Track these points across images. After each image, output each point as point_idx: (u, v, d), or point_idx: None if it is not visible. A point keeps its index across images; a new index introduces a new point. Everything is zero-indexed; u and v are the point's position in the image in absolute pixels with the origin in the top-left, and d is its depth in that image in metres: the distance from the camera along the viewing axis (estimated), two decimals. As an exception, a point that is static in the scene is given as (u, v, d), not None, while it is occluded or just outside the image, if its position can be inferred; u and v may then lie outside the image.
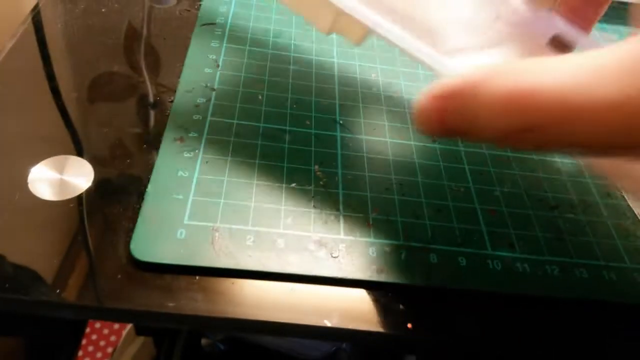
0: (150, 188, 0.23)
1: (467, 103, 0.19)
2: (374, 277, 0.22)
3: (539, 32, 0.27)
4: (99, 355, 0.92)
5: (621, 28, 0.40)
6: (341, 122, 0.29)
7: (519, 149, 0.18)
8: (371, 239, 0.23)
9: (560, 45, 0.29)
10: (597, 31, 0.38)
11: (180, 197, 0.23)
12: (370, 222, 0.24)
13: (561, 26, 0.28)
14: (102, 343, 0.94)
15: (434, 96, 0.21)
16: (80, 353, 0.89)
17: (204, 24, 0.33)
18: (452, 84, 0.20)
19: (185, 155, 0.25)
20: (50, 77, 0.29)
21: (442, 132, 0.21)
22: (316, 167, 0.26)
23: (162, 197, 0.23)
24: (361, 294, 0.22)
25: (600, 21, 0.29)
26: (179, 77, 0.29)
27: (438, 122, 0.21)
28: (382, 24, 0.25)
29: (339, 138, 0.28)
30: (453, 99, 0.20)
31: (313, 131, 0.28)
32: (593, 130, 0.17)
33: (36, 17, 0.32)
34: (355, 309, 0.21)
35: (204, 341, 0.35)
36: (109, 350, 0.92)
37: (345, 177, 0.26)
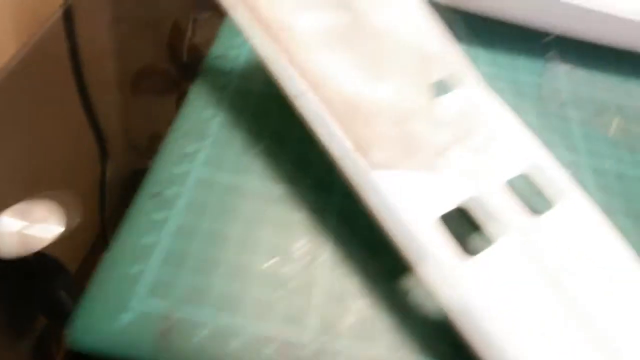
0: (107, 255, 0.21)
1: None
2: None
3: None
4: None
5: None
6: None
7: None
8: None
9: None
10: None
11: (135, 270, 0.21)
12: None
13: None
14: None
15: None
16: None
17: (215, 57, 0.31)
18: None
19: (154, 216, 0.23)
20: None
21: None
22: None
23: (115, 269, 0.21)
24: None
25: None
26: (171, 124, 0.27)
27: None
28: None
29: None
30: None
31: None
32: None
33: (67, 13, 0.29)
34: None
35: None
36: None
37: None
